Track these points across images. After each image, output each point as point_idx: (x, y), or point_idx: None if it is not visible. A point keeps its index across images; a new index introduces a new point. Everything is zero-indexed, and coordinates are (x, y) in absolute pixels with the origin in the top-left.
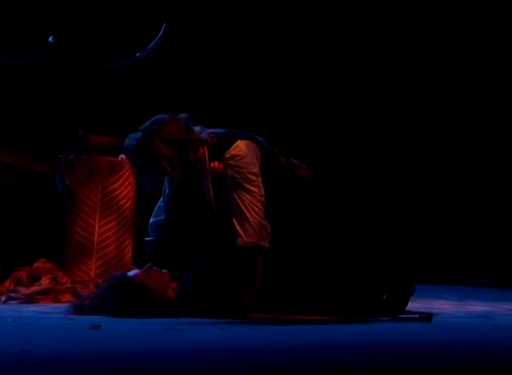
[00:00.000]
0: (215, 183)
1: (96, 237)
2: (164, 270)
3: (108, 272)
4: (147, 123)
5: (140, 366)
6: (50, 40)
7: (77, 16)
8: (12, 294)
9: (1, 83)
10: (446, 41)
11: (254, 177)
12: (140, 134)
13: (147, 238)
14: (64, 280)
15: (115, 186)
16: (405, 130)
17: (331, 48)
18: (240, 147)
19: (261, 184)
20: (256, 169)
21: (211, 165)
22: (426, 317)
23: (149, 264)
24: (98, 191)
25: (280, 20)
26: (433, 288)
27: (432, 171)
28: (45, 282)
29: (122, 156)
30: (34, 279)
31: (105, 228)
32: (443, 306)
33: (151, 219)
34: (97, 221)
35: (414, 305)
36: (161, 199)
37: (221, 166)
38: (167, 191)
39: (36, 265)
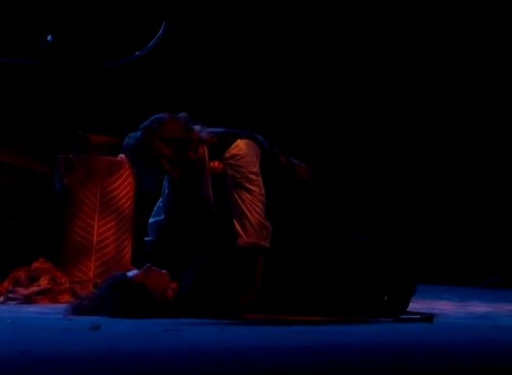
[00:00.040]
0: (215, 183)
1: (95, 237)
2: (163, 271)
3: (108, 272)
4: (146, 122)
5: (139, 366)
6: (48, 38)
7: (76, 15)
8: (11, 295)
9: None
10: (446, 40)
11: (254, 177)
12: (139, 133)
13: (146, 238)
14: (63, 280)
15: (114, 186)
16: (407, 131)
17: (331, 48)
18: (240, 146)
19: (261, 184)
20: (256, 169)
21: (211, 164)
22: (427, 318)
23: (148, 264)
24: (97, 190)
25: (280, 19)
26: (434, 289)
27: (433, 171)
28: (44, 282)
29: (122, 156)
30: (33, 279)
31: (104, 228)
32: (444, 307)
33: (151, 219)
34: (96, 221)
35: (415, 305)
36: (160, 199)
37: (220, 165)
38: (166, 191)
39: (35, 265)
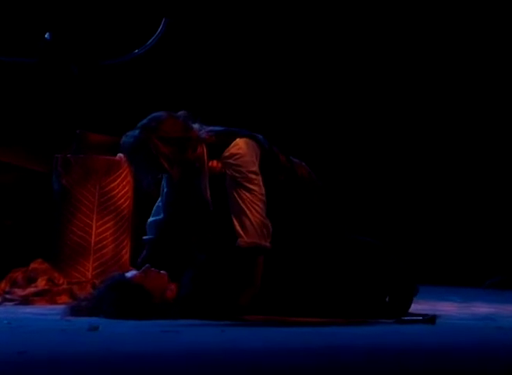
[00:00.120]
0: (213, 183)
1: (93, 237)
2: (162, 271)
3: (106, 273)
4: (144, 121)
5: (137, 368)
6: (46, 36)
7: (74, 12)
8: (8, 296)
9: None
10: (446, 40)
11: (254, 176)
12: (137, 132)
13: (145, 237)
14: (60, 281)
15: (112, 185)
16: (408, 131)
17: (331, 47)
18: (240, 145)
19: (261, 183)
20: (256, 168)
21: (210, 164)
22: (430, 319)
23: (147, 265)
24: (96, 190)
25: (281, 17)
26: (437, 290)
27: (436, 171)
28: (41, 283)
29: (120, 155)
30: (30, 280)
31: (103, 228)
32: (447, 308)
33: (150, 219)
34: (94, 221)
35: (418, 306)
36: (159, 199)
37: (219, 165)
38: (165, 190)
39: (32, 266)
